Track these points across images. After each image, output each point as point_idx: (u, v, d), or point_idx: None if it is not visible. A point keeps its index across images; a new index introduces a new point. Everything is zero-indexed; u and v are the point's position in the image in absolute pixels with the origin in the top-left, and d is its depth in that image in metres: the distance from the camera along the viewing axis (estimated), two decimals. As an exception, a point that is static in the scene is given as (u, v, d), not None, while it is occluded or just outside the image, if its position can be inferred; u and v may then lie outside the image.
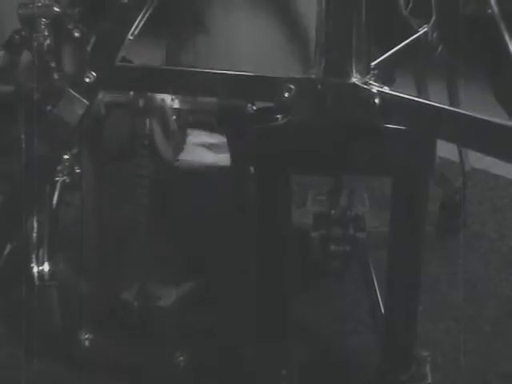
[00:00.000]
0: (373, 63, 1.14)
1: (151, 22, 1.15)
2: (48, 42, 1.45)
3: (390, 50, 1.29)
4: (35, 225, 1.41)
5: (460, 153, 1.72)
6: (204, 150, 1.44)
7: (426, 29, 1.42)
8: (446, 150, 1.34)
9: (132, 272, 1.33)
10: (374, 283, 1.43)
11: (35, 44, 1.44)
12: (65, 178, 1.54)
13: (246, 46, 1.27)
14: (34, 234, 1.41)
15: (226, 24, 1.26)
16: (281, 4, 1.27)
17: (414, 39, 1.36)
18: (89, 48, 1.31)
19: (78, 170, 1.57)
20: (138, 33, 1.13)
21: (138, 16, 1.10)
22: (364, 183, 1.50)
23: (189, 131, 1.38)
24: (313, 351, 1.36)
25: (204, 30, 1.27)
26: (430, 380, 1.23)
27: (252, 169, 1.19)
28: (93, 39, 1.30)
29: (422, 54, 1.46)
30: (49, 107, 1.33)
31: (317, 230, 1.23)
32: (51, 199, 1.44)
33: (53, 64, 1.44)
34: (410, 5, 1.43)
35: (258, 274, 1.15)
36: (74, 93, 1.11)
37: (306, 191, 1.53)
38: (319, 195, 1.51)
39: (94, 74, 1.10)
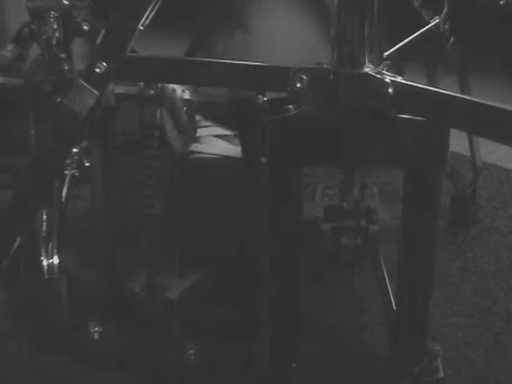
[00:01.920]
0: (385, 54, 1.13)
1: (161, 15, 1.14)
2: (57, 35, 1.45)
3: (400, 41, 1.28)
4: (44, 218, 1.41)
5: (471, 147, 1.71)
6: (218, 140, 1.43)
7: (437, 20, 1.41)
8: (456, 144, 1.32)
9: (140, 263, 1.32)
10: (384, 277, 1.41)
11: (44, 37, 1.44)
12: (74, 171, 1.54)
13: (282, 41, 1.27)
14: (44, 228, 1.41)
15: (263, 20, 1.26)
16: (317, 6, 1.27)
17: (425, 31, 1.35)
18: (98, 40, 1.31)
19: (86, 164, 1.57)
20: (148, 25, 1.12)
21: (148, 7, 1.09)
22: (374, 175, 1.49)
23: (201, 122, 1.37)
24: (323, 344, 1.35)
25: (242, 26, 1.27)
26: (441, 374, 1.22)
27: (263, 160, 1.18)
28: (102, 31, 1.30)
29: (434, 46, 1.45)
30: (58, 99, 1.34)
31: (328, 222, 1.22)
32: (60, 193, 1.45)
33: (62, 56, 1.44)
34: (422, -4, 1.42)
35: (268, 265, 1.14)
36: (84, 83, 1.09)
37: (315, 184, 1.53)
38: (328, 188, 1.50)
39: (105, 64, 1.09)
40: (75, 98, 1.10)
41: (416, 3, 1.42)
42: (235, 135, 1.38)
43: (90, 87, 1.10)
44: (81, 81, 1.10)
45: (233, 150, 1.41)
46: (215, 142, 1.43)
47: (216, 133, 1.46)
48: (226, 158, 1.40)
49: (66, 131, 1.15)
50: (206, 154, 1.40)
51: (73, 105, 1.11)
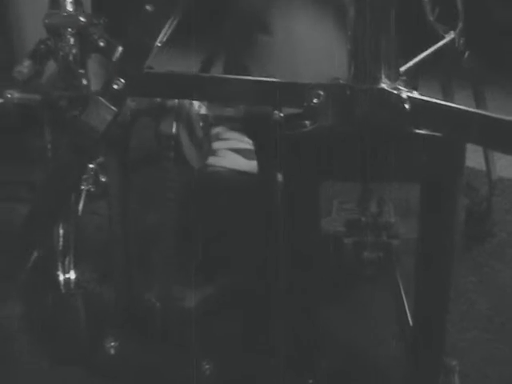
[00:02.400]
0: (401, 69, 1.13)
1: (179, 31, 1.15)
2: (74, 51, 1.46)
3: (415, 56, 1.28)
4: (61, 233, 1.42)
5: (486, 161, 1.70)
6: (233, 154, 1.44)
7: (452, 35, 1.41)
8: (471, 158, 1.32)
9: (156, 274, 1.33)
10: (400, 291, 1.41)
11: (61, 54, 1.45)
12: (90, 186, 1.55)
13: (307, 51, 1.27)
14: (60, 243, 1.42)
15: (289, 30, 1.26)
16: (339, 8, 1.27)
17: (440, 46, 1.35)
18: (114, 57, 1.32)
19: (102, 179, 1.58)
20: (166, 41, 1.13)
21: (166, 24, 1.10)
22: (390, 190, 1.49)
23: (221, 134, 1.38)
24: (340, 360, 1.34)
25: (267, 36, 1.27)
26: (458, 389, 1.21)
27: (280, 176, 1.19)
28: (118, 47, 1.31)
29: (449, 61, 1.45)
30: (76, 115, 1.34)
31: (350, 236, 1.22)
32: (76, 208, 1.45)
33: (79, 72, 1.45)
34: (437, 11, 1.42)
35: (287, 280, 1.14)
36: (102, 99, 1.10)
37: (331, 199, 1.53)
38: (344, 203, 1.50)
39: (122, 80, 1.10)
40: (93, 114, 1.12)
41: (431, 18, 1.42)
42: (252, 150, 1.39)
43: (107, 103, 1.11)
44: (98, 97, 1.11)
45: (248, 164, 1.41)
46: (230, 156, 1.43)
47: (234, 146, 1.46)
48: (241, 172, 1.40)
49: (83, 146, 1.16)
50: (221, 167, 1.41)
51: (90, 120, 1.12)
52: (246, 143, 1.50)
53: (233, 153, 1.46)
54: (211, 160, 1.41)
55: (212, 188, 1.41)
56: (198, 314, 1.32)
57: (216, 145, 1.42)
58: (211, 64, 1.50)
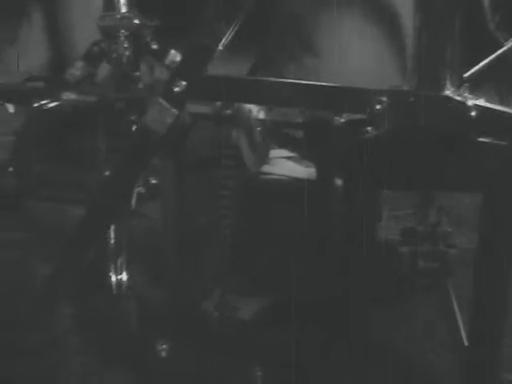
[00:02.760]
0: (465, 75, 1.12)
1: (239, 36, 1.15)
2: (127, 53, 1.46)
3: (477, 64, 1.27)
4: (113, 235, 1.42)
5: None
6: (289, 162, 1.43)
7: (512, 43, 1.39)
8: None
9: (211, 281, 1.32)
10: (453, 303, 1.39)
11: (114, 56, 1.45)
12: (140, 188, 1.55)
13: (354, 63, 1.27)
14: (112, 244, 1.42)
15: (334, 42, 1.25)
16: (384, 18, 1.26)
17: (501, 53, 1.33)
18: (166, 60, 1.32)
19: (153, 181, 1.58)
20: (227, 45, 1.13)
21: (230, 27, 1.09)
22: (446, 199, 1.48)
23: (273, 143, 1.37)
24: (391, 370, 1.32)
25: (312, 50, 1.26)
26: (515, 404, 1.19)
27: (339, 183, 1.18)
28: (170, 51, 1.31)
29: (508, 69, 1.43)
30: (133, 117, 1.35)
31: (405, 245, 1.21)
32: (129, 210, 1.45)
33: (133, 75, 1.45)
34: (497, 19, 1.40)
35: (343, 289, 1.13)
36: (163, 102, 1.10)
37: (381, 206, 1.51)
38: (395, 210, 1.49)
39: (184, 83, 1.10)
40: (154, 117, 1.11)
41: (492, 26, 1.41)
42: (309, 157, 1.38)
43: (168, 106, 1.11)
44: (160, 99, 1.11)
45: (303, 171, 1.40)
46: (284, 163, 1.42)
47: (283, 155, 1.45)
48: (297, 179, 1.39)
49: (143, 149, 1.16)
50: (277, 175, 1.40)
51: (151, 123, 1.12)
52: (297, 151, 1.50)
53: (287, 160, 1.45)
54: (266, 168, 1.40)
55: (269, 196, 1.40)
56: (252, 325, 1.32)
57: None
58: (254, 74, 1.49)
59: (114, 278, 1.38)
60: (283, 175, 1.41)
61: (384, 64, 1.33)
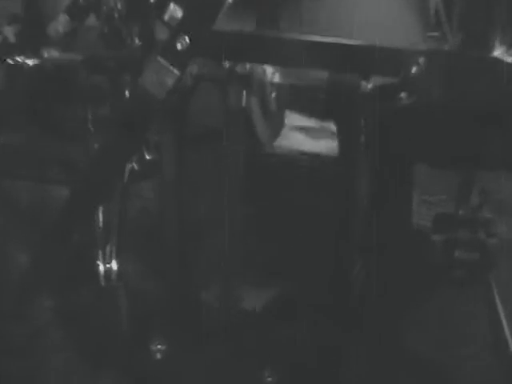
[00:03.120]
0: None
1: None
2: (119, 6, 1.44)
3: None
4: (102, 217, 1.41)
5: None
6: (302, 136, 1.41)
7: None
8: None
9: (214, 269, 1.31)
10: (495, 298, 1.37)
11: (104, 8, 1.42)
12: (133, 164, 1.53)
13: (357, 13, 1.23)
14: (101, 228, 1.40)
15: None
16: None
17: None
18: (165, 16, 1.30)
19: (148, 157, 1.56)
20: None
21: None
22: (488, 182, 1.46)
23: (290, 111, 1.35)
24: (424, 377, 1.32)
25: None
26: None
27: (365, 159, 1.16)
28: (169, 3, 1.29)
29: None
30: (126, 79, 1.32)
31: (439, 233, 1.19)
32: (120, 190, 1.43)
33: (125, 31, 1.43)
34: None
35: (365, 278, 1.12)
36: (163, 61, 1.08)
37: (412, 190, 1.49)
38: (427, 195, 1.48)
39: (188, 39, 1.07)
40: (152, 78, 1.09)
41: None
42: (327, 129, 1.36)
43: (168, 66, 1.09)
44: (159, 58, 1.09)
45: (322, 146, 1.38)
46: (300, 137, 1.40)
47: (304, 125, 1.43)
48: (315, 156, 1.37)
49: (138, 118, 1.13)
50: (293, 151, 1.38)
51: (149, 86, 1.09)
52: (313, 121, 1.47)
53: (297, 132, 1.43)
54: (279, 142, 1.38)
55: (277, 175, 1.38)
56: (260, 317, 1.31)
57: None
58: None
59: (102, 267, 1.37)
60: (298, 150, 1.39)
61: (403, 19, 1.30)
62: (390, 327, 1.16)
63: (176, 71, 1.08)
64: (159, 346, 1.33)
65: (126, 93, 1.30)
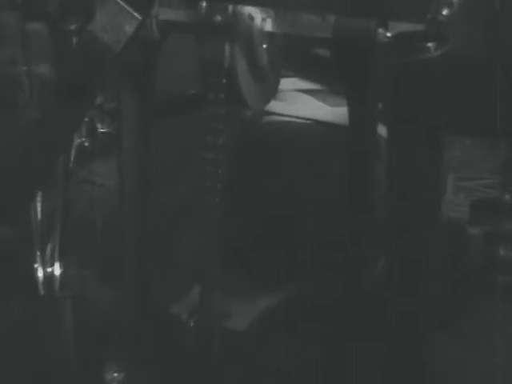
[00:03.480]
0: None
1: None
2: None
3: None
4: (40, 209, 1.42)
5: None
6: (305, 96, 1.43)
7: None
8: None
9: (189, 275, 1.33)
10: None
11: None
12: (83, 139, 1.55)
13: None
14: (39, 222, 1.42)
15: None
16: None
17: None
18: None
19: (101, 130, 1.58)
20: None
21: None
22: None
23: (285, 68, 1.37)
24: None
25: None
26: None
27: (382, 128, 1.17)
28: None
29: None
30: (73, 26, 1.34)
31: (477, 225, 1.22)
32: (64, 171, 1.45)
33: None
34: None
35: (383, 280, 1.15)
36: (121, 2, 1.10)
37: (445, 173, 1.52)
38: (465, 180, 1.50)
39: (152, -27, 1.10)
40: (107, 24, 1.11)
41: None
42: (336, 91, 1.38)
43: (129, 8, 1.10)
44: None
45: (328, 111, 1.40)
46: (302, 100, 1.41)
47: (301, 87, 1.45)
48: (321, 123, 1.39)
49: (88, 76, 1.15)
50: (291, 116, 1.39)
51: (102, 34, 1.11)
52: (314, 83, 1.50)
53: (303, 94, 1.44)
54: (276, 106, 1.39)
55: (277, 147, 1.40)
56: (251, 337, 1.33)
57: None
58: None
59: (41, 273, 1.39)
60: (299, 117, 1.41)
61: None
62: (412, 345, 1.17)
63: (137, 14, 1.11)
64: (115, 375, 1.35)
65: (72, 43, 1.32)
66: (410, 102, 1.09)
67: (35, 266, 1.39)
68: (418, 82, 1.09)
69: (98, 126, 1.57)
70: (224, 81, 1.22)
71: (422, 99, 1.09)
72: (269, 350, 1.36)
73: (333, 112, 1.40)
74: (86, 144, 1.55)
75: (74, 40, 1.30)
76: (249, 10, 1.24)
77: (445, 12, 1.06)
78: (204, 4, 1.21)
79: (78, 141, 1.54)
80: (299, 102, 1.45)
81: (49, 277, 1.39)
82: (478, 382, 1.40)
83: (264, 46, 1.27)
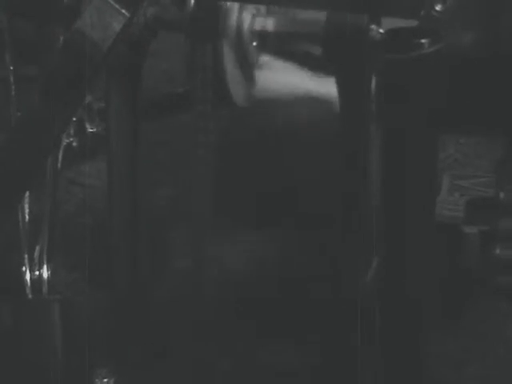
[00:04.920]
0: None
1: None
2: None
3: None
4: (28, 211, 1.42)
5: None
6: (293, 68, 1.42)
7: None
8: None
9: (181, 280, 1.33)
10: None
11: None
12: (71, 139, 1.55)
13: None
14: (27, 224, 1.42)
15: None
16: None
17: None
18: None
19: (90, 130, 1.58)
20: None
21: None
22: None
23: (277, 67, 1.37)
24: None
25: None
26: None
27: (375, 125, 1.18)
28: None
29: None
30: (58, 28, 1.34)
31: (473, 224, 1.22)
32: (53, 173, 1.45)
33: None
34: None
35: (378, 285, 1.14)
36: (108, -1, 1.09)
37: (441, 171, 1.53)
38: (460, 179, 1.51)
39: (139, -31, 1.09)
40: (93, 21, 1.10)
41: None
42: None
43: (115, 4, 1.10)
44: (102, -6, 1.10)
45: (322, 85, 1.40)
46: (290, 71, 1.40)
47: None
48: (313, 100, 1.39)
49: (75, 75, 1.15)
50: (279, 91, 1.38)
51: (90, 30, 1.11)
52: (314, 79, 1.50)
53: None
54: (260, 76, 1.39)
55: (268, 133, 1.41)
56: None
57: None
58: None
59: (28, 276, 1.38)
60: (287, 87, 1.40)
61: None
62: (408, 350, 1.17)
63: (124, 11, 1.10)
64: (105, 380, 1.35)
65: (59, 42, 1.32)
66: (403, 97, 1.10)
67: (23, 268, 1.38)
68: (411, 79, 1.09)
69: (87, 125, 1.58)
70: (212, 79, 1.22)
71: (415, 95, 1.09)
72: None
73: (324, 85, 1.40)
74: (75, 144, 1.55)
75: (61, 37, 1.30)
76: (238, 6, 1.24)
77: (438, 8, 1.07)
78: (192, 1, 1.22)
79: (67, 141, 1.54)
80: (287, 73, 1.45)
81: (37, 280, 1.38)
82: (476, 382, 1.41)
83: (254, 43, 1.27)
